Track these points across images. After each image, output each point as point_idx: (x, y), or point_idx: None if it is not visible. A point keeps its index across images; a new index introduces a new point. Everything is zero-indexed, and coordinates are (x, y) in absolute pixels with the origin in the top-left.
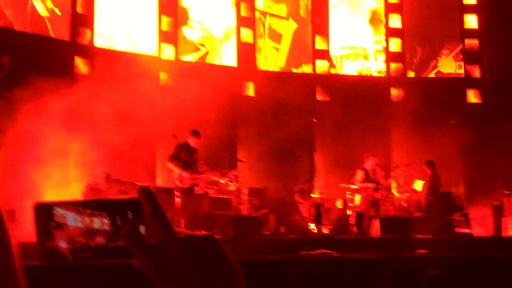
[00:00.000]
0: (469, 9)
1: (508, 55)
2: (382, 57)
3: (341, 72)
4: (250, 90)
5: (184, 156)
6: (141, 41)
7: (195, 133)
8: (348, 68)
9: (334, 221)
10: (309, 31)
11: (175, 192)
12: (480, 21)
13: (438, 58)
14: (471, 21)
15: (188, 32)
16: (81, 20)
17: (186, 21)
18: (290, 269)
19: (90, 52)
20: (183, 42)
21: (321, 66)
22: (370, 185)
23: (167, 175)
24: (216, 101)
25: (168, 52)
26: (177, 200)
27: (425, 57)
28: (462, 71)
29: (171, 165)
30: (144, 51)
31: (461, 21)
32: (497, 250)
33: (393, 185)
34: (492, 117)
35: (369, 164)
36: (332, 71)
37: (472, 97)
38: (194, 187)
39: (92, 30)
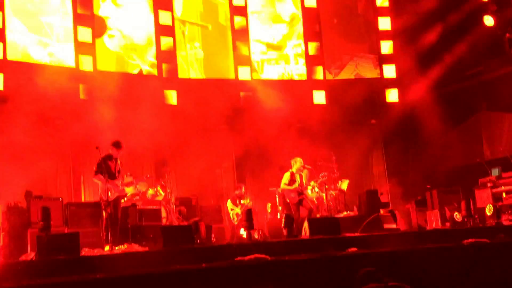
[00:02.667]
0: (383, 11)
1: (420, 55)
2: (302, 60)
3: (263, 77)
4: (172, 99)
5: (108, 168)
6: (58, 53)
7: (117, 145)
8: (270, 72)
9: (265, 225)
10: (230, 38)
11: (102, 205)
12: (393, 23)
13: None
14: (385, 21)
15: (109, 42)
16: None
17: (104, 31)
18: (225, 276)
19: (2, 66)
20: (103, 52)
21: (244, 72)
22: (296, 188)
23: (93, 189)
24: (140, 110)
25: (86, 63)
26: (104, 213)
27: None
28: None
29: (96, 179)
30: (61, 63)
31: (376, 22)
32: (423, 243)
33: (320, 186)
34: (410, 114)
35: (296, 166)
36: (255, 76)
37: (390, 96)
38: (121, 200)
39: (4, 42)
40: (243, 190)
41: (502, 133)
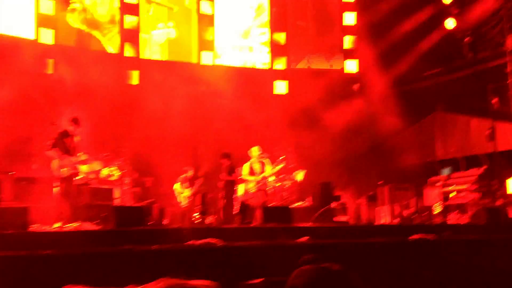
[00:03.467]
0: (348, 6)
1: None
2: (266, 49)
3: (226, 63)
4: (135, 79)
5: (63, 144)
6: (17, 25)
7: (75, 121)
8: (233, 59)
9: (219, 211)
10: (195, 22)
11: (54, 181)
12: (358, 19)
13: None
14: (349, 18)
15: (71, 17)
16: None
17: (67, 5)
18: (175, 259)
19: None
20: (65, 26)
21: (207, 57)
22: (257, 180)
23: (45, 165)
24: (101, 89)
25: (46, 37)
26: (56, 190)
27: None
28: (338, 67)
29: (50, 153)
30: (21, 35)
31: (340, 18)
32: (371, 237)
33: (276, 175)
34: (369, 110)
35: (254, 156)
36: (218, 62)
37: (351, 90)
38: (74, 177)
39: None
40: (190, 173)
41: (454, 134)
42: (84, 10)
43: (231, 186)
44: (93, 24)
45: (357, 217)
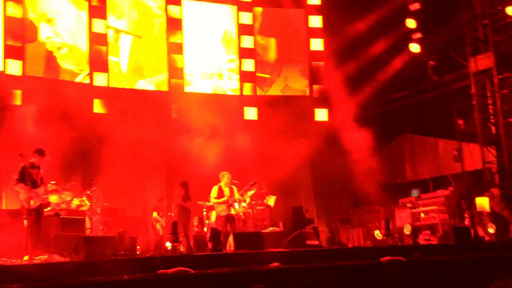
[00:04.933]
0: (315, 32)
1: (348, 75)
2: (236, 76)
3: (196, 90)
4: (101, 108)
5: (30, 176)
6: None
7: (39, 152)
8: (203, 86)
9: (191, 238)
10: (164, 50)
11: (23, 214)
12: (325, 44)
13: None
14: (317, 44)
15: (41, 46)
16: None
17: (36, 37)
18: None
19: None
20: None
21: (176, 84)
22: (225, 201)
23: (14, 197)
24: (68, 119)
25: (14, 68)
26: (26, 222)
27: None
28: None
29: (17, 187)
30: None
31: (308, 44)
32: (343, 260)
33: (247, 200)
34: (338, 134)
35: (224, 180)
36: (188, 89)
37: (320, 115)
38: (44, 208)
39: None
40: (165, 203)
41: (423, 156)
42: (55, 41)
43: (186, 213)
44: (64, 53)
45: (331, 240)
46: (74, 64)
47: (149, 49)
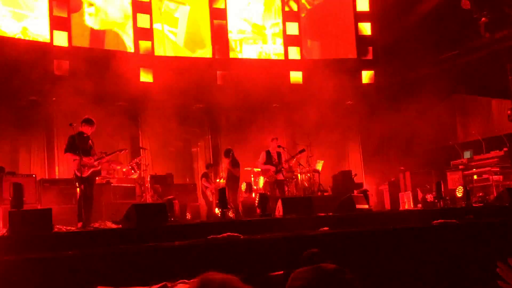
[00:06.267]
0: None
1: (397, 39)
2: (280, 40)
3: (241, 56)
4: (149, 77)
5: (81, 145)
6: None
7: (88, 121)
8: (248, 51)
9: (240, 204)
10: (207, 16)
11: (76, 182)
12: (371, 4)
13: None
14: (363, 4)
15: (87, 18)
16: None
17: (80, 6)
18: (198, 254)
19: None
20: (79, 27)
21: (220, 50)
22: (273, 167)
23: (67, 166)
24: (115, 88)
25: (61, 39)
26: (78, 190)
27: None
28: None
29: (68, 156)
30: (36, 38)
31: (354, 4)
32: (394, 224)
33: (295, 166)
34: (386, 96)
35: (272, 146)
36: (232, 55)
37: (366, 78)
38: (95, 177)
39: None
40: (213, 170)
41: (475, 116)
42: (98, 11)
43: (234, 179)
44: (108, 24)
45: (380, 204)
46: (118, 32)
47: (192, 16)
